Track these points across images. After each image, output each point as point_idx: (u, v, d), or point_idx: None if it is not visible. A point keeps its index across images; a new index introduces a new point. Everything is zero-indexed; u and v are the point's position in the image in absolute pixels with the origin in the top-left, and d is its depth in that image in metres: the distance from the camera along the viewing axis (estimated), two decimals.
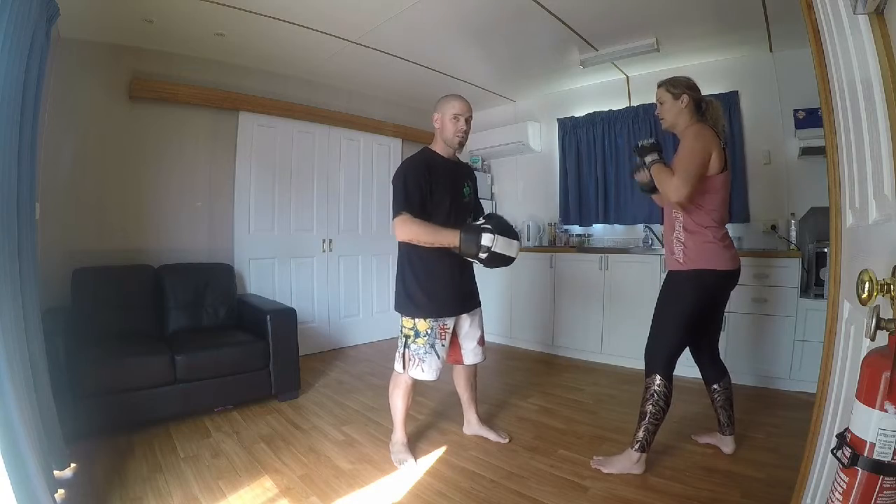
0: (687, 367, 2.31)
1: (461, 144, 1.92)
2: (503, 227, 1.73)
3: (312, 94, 3.80)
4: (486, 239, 1.68)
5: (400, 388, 1.96)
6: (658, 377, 1.75)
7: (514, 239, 1.75)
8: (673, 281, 1.83)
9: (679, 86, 1.79)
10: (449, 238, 1.73)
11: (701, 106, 1.83)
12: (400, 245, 1.91)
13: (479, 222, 1.77)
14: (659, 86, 1.86)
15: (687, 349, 1.99)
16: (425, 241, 1.74)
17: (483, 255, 1.70)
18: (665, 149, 1.89)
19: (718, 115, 1.84)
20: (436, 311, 1.87)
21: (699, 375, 2.05)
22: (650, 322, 1.87)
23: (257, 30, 2.83)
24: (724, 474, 1.80)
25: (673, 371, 1.77)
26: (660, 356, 1.77)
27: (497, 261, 1.73)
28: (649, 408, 1.75)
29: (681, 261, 1.79)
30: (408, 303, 1.89)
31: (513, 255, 1.75)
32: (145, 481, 1.76)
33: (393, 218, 1.77)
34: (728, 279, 1.79)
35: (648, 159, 1.80)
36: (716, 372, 1.95)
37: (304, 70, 3.60)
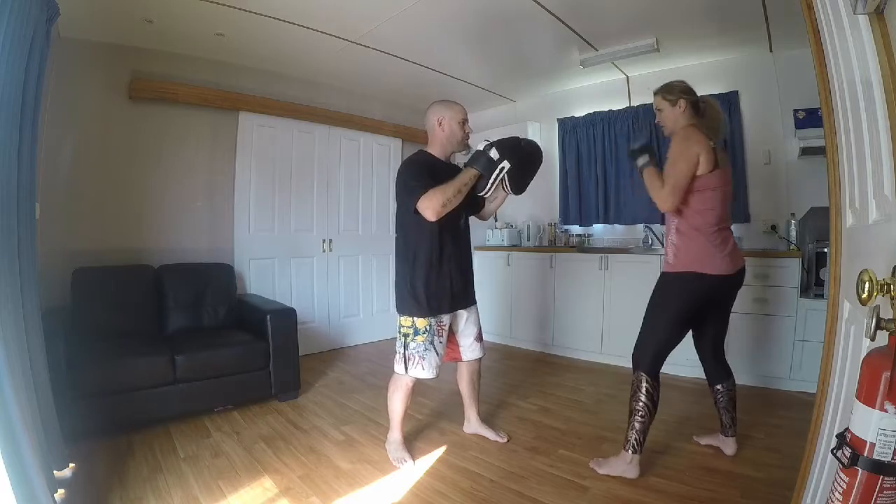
0: (688, 367, 2.33)
1: (468, 147, 2.00)
2: (501, 142, 1.84)
3: (312, 94, 3.80)
4: (493, 152, 1.79)
5: (400, 390, 1.96)
6: (643, 375, 1.76)
7: (516, 144, 1.85)
8: (663, 282, 1.84)
9: (674, 91, 1.80)
10: (467, 176, 1.80)
11: (699, 107, 1.82)
12: (397, 245, 1.94)
13: (479, 147, 1.85)
14: (655, 94, 1.87)
15: (693, 349, 2.00)
16: (453, 195, 1.76)
17: (505, 163, 1.80)
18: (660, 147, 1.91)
19: (717, 113, 1.85)
20: (434, 310, 1.88)
21: (701, 375, 2.06)
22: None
23: (257, 30, 2.83)
24: (724, 474, 1.80)
25: (659, 370, 1.77)
26: (646, 355, 1.78)
27: (518, 155, 1.84)
28: (634, 405, 1.76)
29: (671, 262, 1.80)
30: (406, 302, 1.89)
31: (525, 141, 1.89)
32: (145, 481, 1.76)
33: (413, 206, 1.75)
34: (723, 283, 1.76)
35: (640, 163, 1.81)
36: (719, 373, 1.95)
37: (304, 70, 3.60)
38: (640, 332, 1.84)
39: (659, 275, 1.88)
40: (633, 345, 1.85)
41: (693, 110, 1.80)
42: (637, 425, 1.75)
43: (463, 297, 2.00)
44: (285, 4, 2.56)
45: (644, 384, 1.75)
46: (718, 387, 1.94)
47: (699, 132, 1.71)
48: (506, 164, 1.80)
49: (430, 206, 1.72)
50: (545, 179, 4.33)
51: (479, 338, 2.12)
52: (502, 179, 1.84)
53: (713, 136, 1.76)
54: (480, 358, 2.14)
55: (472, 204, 2.02)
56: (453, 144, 1.96)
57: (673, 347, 1.80)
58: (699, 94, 1.84)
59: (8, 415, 1.13)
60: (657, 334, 1.78)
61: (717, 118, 1.84)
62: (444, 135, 1.93)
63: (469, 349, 2.09)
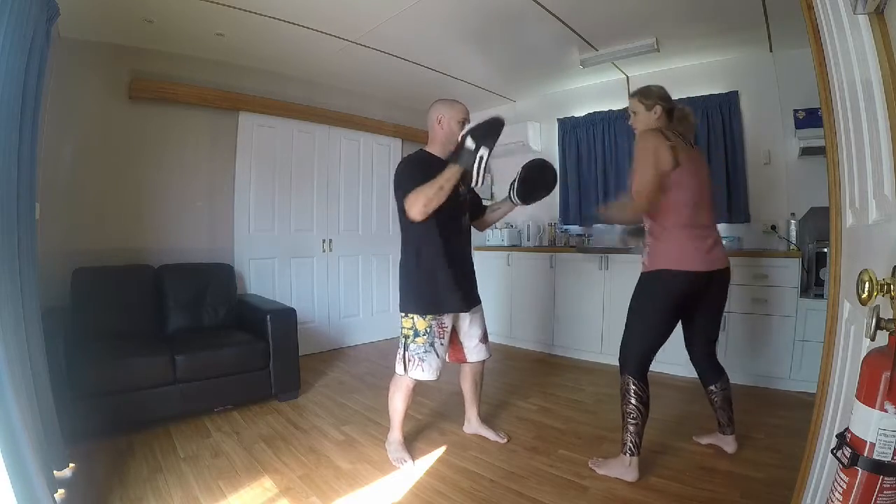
0: (685, 366, 2.32)
1: None
2: (475, 129, 1.75)
3: (312, 94, 3.80)
4: (468, 142, 1.71)
5: (401, 390, 1.96)
6: (630, 378, 1.75)
7: (493, 125, 1.76)
8: (640, 282, 1.84)
9: (652, 97, 1.80)
10: (450, 172, 1.73)
11: (672, 115, 1.83)
12: (402, 243, 1.94)
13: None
14: (631, 96, 1.87)
15: (685, 351, 1.99)
16: (434, 194, 1.70)
17: (483, 150, 1.72)
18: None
19: (689, 121, 1.90)
20: (439, 307, 1.88)
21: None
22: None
23: (257, 30, 2.83)
24: (724, 474, 1.80)
25: (646, 371, 1.77)
26: (630, 357, 1.77)
27: (490, 134, 1.75)
28: (626, 409, 1.75)
29: (645, 262, 1.82)
30: (409, 299, 1.89)
31: (495, 121, 1.76)
32: (145, 481, 1.76)
33: (403, 205, 1.75)
34: (704, 281, 1.74)
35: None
36: (712, 373, 1.95)
37: (304, 70, 3.60)
38: (624, 334, 1.84)
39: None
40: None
41: (667, 117, 1.81)
42: (631, 428, 1.74)
43: (466, 298, 1.98)
44: (285, 4, 2.56)
45: (632, 387, 1.74)
46: (713, 387, 1.94)
47: (658, 133, 1.72)
48: (484, 153, 1.72)
49: (414, 206, 1.71)
50: None
51: (485, 339, 2.10)
52: (485, 169, 1.78)
53: (684, 137, 1.79)
54: (485, 359, 2.13)
55: (475, 206, 2.02)
56: (452, 144, 1.92)
57: (659, 347, 1.79)
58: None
59: (8, 415, 1.13)
60: (640, 336, 1.78)
61: (689, 123, 1.87)
62: (443, 133, 1.93)
63: (474, 350, 2.07)
